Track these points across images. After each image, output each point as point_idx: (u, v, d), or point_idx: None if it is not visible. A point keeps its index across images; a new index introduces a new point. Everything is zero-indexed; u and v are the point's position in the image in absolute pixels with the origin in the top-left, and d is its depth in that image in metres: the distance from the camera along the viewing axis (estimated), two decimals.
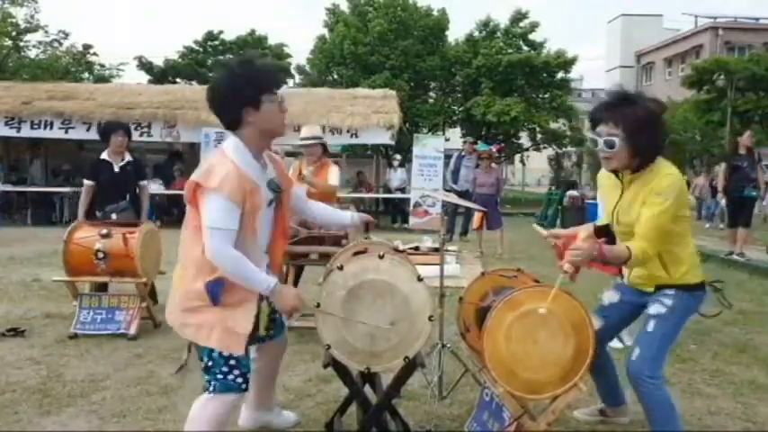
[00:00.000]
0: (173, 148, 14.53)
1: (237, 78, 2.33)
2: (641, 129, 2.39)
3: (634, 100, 2.46)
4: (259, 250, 2.42)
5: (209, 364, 2.37)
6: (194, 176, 2.31)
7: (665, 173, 2.44)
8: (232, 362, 2.36)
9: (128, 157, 5.12)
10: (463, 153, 11.78)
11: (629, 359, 2.59)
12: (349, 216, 2.85)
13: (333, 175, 5.04)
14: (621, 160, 2.46)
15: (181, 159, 14.17)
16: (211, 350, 2.35)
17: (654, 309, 2.59)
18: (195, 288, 2.33)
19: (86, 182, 5.13)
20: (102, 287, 4.77)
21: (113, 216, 4.90)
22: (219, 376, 2.36)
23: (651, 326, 2.57)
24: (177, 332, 2.43)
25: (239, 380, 2.38)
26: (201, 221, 2.28)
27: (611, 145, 2.43)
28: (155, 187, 5.56)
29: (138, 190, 5.22)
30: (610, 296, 2.84)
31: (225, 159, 2.32)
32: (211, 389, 2.37)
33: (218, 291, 2.32)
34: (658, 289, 2.60)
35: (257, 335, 2.61)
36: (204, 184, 2.26)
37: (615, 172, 2.58)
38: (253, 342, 2.65)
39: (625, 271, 2.76)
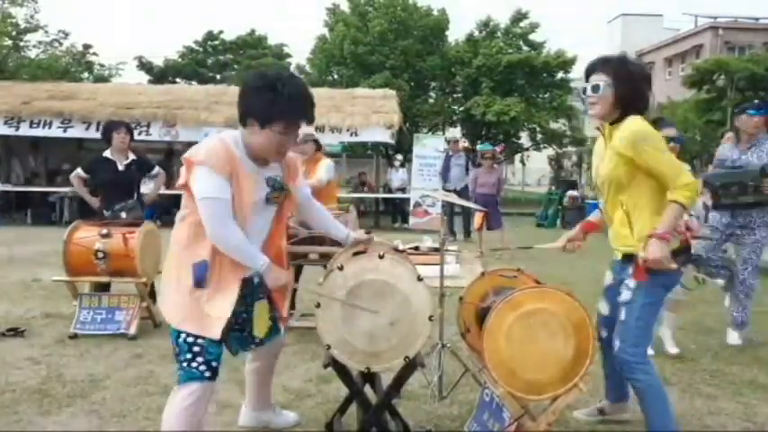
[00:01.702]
0: (168, 147, 14.48)
1: (270, 91, 2.27)
2: (627, 78, 2.51)
3: (625, 57, 2.65)
4: (253, 243, 2.41)
5: (177, 351, 2.36)
6: (187, 155, 2.32)
7: (629, 122, 2.49)
8: (196, 348, 2.32)
9: (131, 156, 5.11)
10: (450, 153, 11.77)
11: (614, 352, 2.61)
12: (345, 234, 2.77)
13: (322, 169, 4.86)
14: (605, 106, 2.54)
15: (176, 158, 14.16)
16: (178, 335, 2.33)
17: (623, 295, 2.59)
18: (180, 266, 2.34)
19: (78, 170, 5.10)
20: (105, 287, 4.75)
21: (123, 215, 4.86)
22: (184, 364, 2.33)
23: (623, 314, 2.59)
24: (166, 318, 2.41)
25: (202, 367, 2.32)
26: (195, 196, 2.28)
27: (596, 88, 2.53)
28: (152, 186, 5.53)
29: (141, 188, 5.22)
30: (607, 277, 2.85)
31: (215, 138, 2.35)
32: (177, 380, 2.35)
33: (203, 273, 2.31)
34: (625, 258, 2.59)
35: (255, 338, 2.62)
36: (192, 158, 2.28)
37: (600, 130, 2.65)
38: (249, 345, 2.66)
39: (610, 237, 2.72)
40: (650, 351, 4.18)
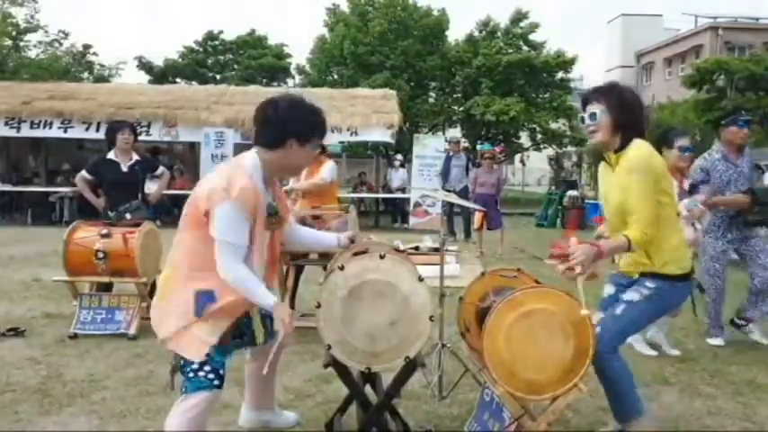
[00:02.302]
0: (150, 146, 14.42)
1: (305, 111, 2.44)
2: (623, 105, 2.57)
3: (617, 84, 2.71)
4: (262, 269, 2.46)
5: (182, 363, 2.37)
6: (212, 184, 2.32)
7: (634, 148, 2.54)
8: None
9: (135, 157, 5.10)
10: (450, 153, 11.79)
11: None
12: (335, 239, 2.82)
13: (325, 169, 4.99)
14: (605, 133, 2.58)
15: (159, 155, 14.14)
16: None
17: (628, 295, 2.63)
18: (184, 293, 2.35)
19: (83, 173, 5.10)
20: (107, 287, 4.75)
21: (128, 216, 4.84)
22: (191, 375, 2.34)
23: (619, 309, 2.61)
24: (154, 330, 2.43)
25: (211, 375, 2.35)
26: (212, 231, 2.29)
27: (594, 116, 2.58)
28: (154, 187, 5.53)
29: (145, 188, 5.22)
30: (607, 289, 2.85)
31: (243, 173, 2.35)
32: (184, 389, 2.36)
33: (205, 303, 2.33)
34: (642, 276, 2.63)
35: (255, 342, 2.64)
36: (224, 191, 2.27)
37: (602, 155, 2.70)
38: (242, 346, 2.66)
39: (615, 257, 2.77)
40: (651, 351, 4.23)
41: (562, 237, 2.88)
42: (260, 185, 2.39)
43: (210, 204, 2.30)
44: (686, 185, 4.22)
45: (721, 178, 4.42)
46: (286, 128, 2.41)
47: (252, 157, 2.43)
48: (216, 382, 2.36)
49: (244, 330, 2.59)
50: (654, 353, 4.25)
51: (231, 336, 2.45)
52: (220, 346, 2.37)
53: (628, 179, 2.49)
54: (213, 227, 2.29)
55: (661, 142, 4.06)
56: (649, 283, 2.59)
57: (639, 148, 2.52)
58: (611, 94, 2.59)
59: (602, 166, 2.78)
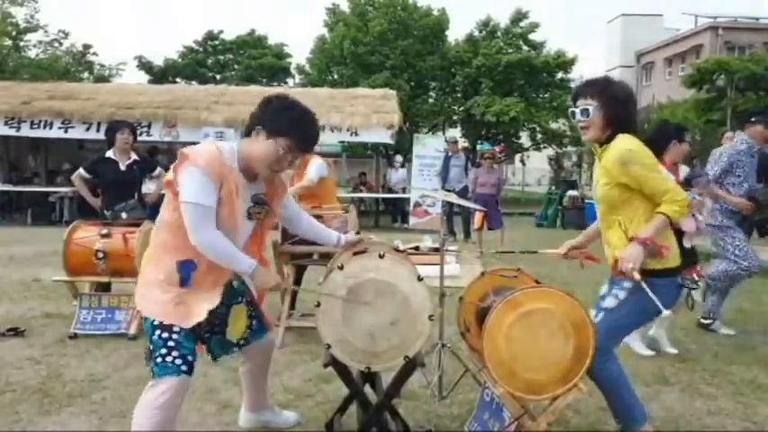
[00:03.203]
0: (148, 146, 14.41)
1: (286, 107, 2.36)
2: (614, 100, 2.54)
3: (609, 79, 2.67)
4: (238, 246, 2.42)
5: (151, 348, 2.35)
6: (183, 149, 2.32)
7: (619, 141, 2.51)
8: (171, 343, 2.32)
9: (133, 156, 5.11)
10: (449, 153, 11.79)
11: None
12: (336, 237, 2.78)
13: (312, 168, 4.73)
14: (596, 129, 2.56)
15: (157, 155, 14.14)
16: (152, 332, 2.33)
17: (606, 301, 2.61)
18: (164, 263, 2.34)
19: (81, 171, 5.09)
20: (105, 287, 4.75)
21: (123, 215, 4.85)
22: (159, 359, 2.31)
23: (599, 318, 2.59)
24: (139, 309, 2.43)
25: (178, 361, 2.31)
26: (180, 197, 2.27)
27: (585, 113, 2.55)
28: (153, 187, 5.53)
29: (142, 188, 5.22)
30: (603, 288, 2.84)
31: (211, 146, 2.35)
32: (152, 375, 2.34)
33: (189, 271, 2.32)
34: (619, 274, 2.55)
35: (236, 342, 2.65)
36: (186, 156, 2.26)
37: (595, 152, 2.68)
38: (230, 349, 2.66)
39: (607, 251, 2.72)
40: (650, 352, 4.22)
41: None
42: (233, 165, 2.34)
43: (176, 173, 2.29)
44: (681, 177, 4.24)
45: (744, 170, 4.58)
46: (259, 116, 2.37)
47: (230, 143, 2.41)
48: (183, 368, 2.32)
49: (223, 328, 2.60)
50: (651, 353, 4.25)
51: (205, 323, 2.43)
52: (191, 332, 2.36)
53: (625, 171, 2.45)
54: (181, 192, 2.26)
55: (671, 136, 4.08)
56: (626, 285, 2.54)
57: (623, 141, 2.50)
58: (604, 91, 2.56)
59: (596, 162, 2.76)
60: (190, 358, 2.35)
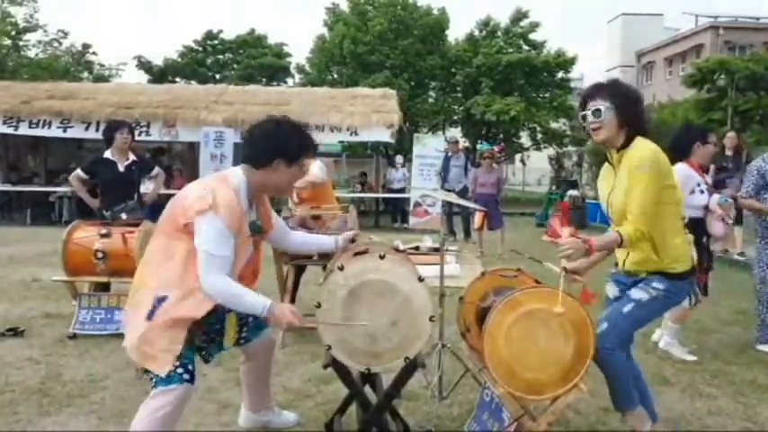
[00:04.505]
0: (154, 146, 14.44)
1: (294, 132, 2.46)
2: (627, 100, 2.54)
3: (619, 81, 2.70)
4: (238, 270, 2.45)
5: None
6: (197, 195, 2.31)
7: (640, 146, 2.51)
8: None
9: (132, 157, 5.09)
10: (449, 153, 11.78)
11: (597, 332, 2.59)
12: (332, 241, 2.82)
13: (315, 167, 4.74)
14: (610, 130, 2.54)
15: (164, 155, 14.20)
16: None
17: (637, 293, 2.60)
18: (147, 300, 2.34)
19: (78, 171, 5.08)
20: (104, 287, 4.75)
21: (123, 216, 4.84)
22: None
23: (627, 308, 2.58)
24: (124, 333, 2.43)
25: (180, 370, 2.32)
26: (196, 242, 2.28)
27: (598, 113, 2.53)
28: (152, 187, 5.53)
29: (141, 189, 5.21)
30: (611, 290, 2.83)
31: (227, 187, 2.35)
32: (154, 385, 2.34)
33: (157, 307, 2.31)
34: (650, 275, 2.60)
35: (223, 345, 2.67)
36: (209, 204, 2.26)
37: (605, 155, 2.67)
38: (221, 350, 2.69)
39: (619, 256, 2.74)
40: (693, 357, 4.18)
41: (554, 216, 2.86)
42: (244, 203, 2.39)
43: (194, 216, 2.28)
44: (709, 180, 4.20)
45: None
46: (274, 147, 2.41)
47: (238, 175, 2.43)
48: (186, 377, 2.33)
49: (216, 337, 2.61)
50: (694, 357, 4.16)
51: (200, 333, 2.45)
52: (190, 343, 2.36)
53: (632, 175, 2.45)
54: (198, 238, 2.28)
55: (694, 138, 4.05)
56: (657, 284, 2.56)
57: (644, 146, 2.50)
58: (616, 91, 2.55)
59: (604, 168, 2.73)
60: (191, 367, 2.37)
